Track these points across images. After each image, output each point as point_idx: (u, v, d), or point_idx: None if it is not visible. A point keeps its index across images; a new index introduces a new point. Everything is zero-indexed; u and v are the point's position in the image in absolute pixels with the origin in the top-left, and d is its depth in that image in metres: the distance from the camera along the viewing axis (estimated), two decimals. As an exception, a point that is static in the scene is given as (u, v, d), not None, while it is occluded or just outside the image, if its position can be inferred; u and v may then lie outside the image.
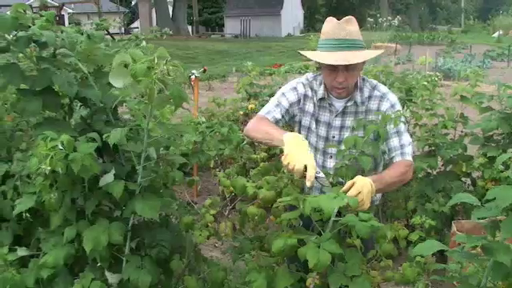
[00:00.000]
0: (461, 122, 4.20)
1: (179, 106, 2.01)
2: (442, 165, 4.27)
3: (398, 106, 2.65)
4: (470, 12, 61.29)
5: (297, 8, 48.15)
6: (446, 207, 3.68)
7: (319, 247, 1.91)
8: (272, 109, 2.68)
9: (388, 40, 27.15)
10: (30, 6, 2.33)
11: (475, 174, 4.27)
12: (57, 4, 31.02)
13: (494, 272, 1.53)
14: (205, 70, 6.52)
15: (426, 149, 4.13)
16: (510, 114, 3.70)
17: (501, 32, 34.50)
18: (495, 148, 3.84)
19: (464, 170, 4.05)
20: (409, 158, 2.55)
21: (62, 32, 2.24)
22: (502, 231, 1.46)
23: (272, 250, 2.05)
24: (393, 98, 2.65)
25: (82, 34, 2.29)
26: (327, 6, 56.21)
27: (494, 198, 1.50)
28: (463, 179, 4.16)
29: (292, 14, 45.96)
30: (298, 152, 2.22)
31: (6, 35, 2.07)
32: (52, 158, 1.86)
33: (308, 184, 2.16)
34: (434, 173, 4.23)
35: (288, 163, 2.20)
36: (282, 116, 2.66)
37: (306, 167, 2.16)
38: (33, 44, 2.12)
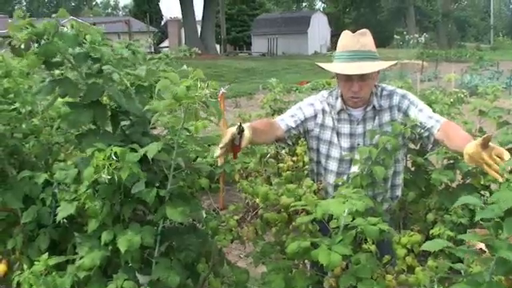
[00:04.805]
0: (479, 137, 4.25)
1: (220, 120, 2.16)
2: (462, 178, 4.34)
3: (410, 96, 2.74)
4: (499, 29, 60.65)
5: (324, 26, 48.22)
6: (465, 218, 3.76)
7: (330, 249, 1.96)
8: (286, 117, 2.77)
9: (415, 57, 27.08)
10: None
11: (494, 187, 4.28)
12: (88, 24, 31.66)
13: (497, 267, 1.62)
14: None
15: (445, 162, 4.19)
16: (525, 127, 3.77)
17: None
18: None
19: (482, 182, 4.09)
20: (443, 119, 2.62)
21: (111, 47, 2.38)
22: (504, 229, 1.58)
23: (287, 251, 2.11)
24: (401, 91, 2.76)
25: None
26: (354, 24, 56.24)
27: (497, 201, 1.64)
28: (482, 192, 4.20)
29: (319, 33, 46.09)
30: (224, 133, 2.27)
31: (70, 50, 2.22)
32: (108, 167, 2.00)
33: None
34: (454, 185, 4.30)
35: (222, 146, 2.23)
36: (297, 126, 2.74)
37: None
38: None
